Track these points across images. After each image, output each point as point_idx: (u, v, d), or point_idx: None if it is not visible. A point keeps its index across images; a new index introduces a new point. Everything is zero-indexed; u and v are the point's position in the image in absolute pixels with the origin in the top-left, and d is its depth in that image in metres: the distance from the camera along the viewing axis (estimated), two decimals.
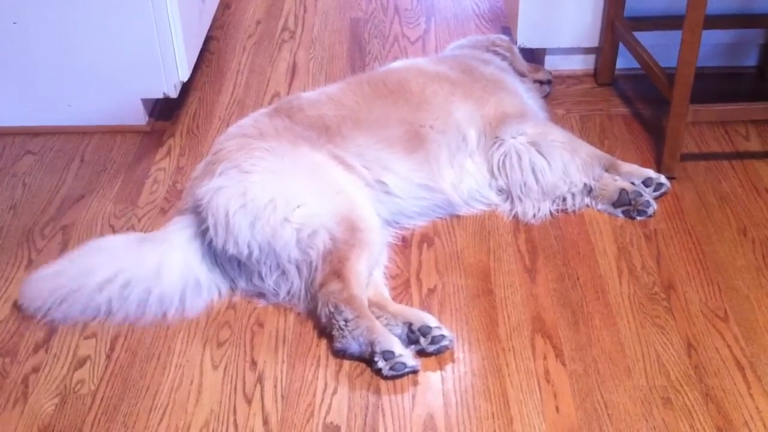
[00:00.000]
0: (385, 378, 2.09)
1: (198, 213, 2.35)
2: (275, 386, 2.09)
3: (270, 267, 2.28)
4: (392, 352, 2.08)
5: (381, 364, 2.07)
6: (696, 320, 2.23)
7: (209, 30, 3.55)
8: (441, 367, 2.13)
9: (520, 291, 2.34)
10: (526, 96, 2.87)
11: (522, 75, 3.02)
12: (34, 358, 2.18)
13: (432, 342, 2.14)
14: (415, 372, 2.10)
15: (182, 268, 2.31)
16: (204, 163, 2.49)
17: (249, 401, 2.05)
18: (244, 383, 2.10)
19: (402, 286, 2.38)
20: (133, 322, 2.26)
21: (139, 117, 3.08)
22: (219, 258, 2.33)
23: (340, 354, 2.15)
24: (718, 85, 3.15)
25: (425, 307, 2.30)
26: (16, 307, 2.31)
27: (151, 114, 3.14)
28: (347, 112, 2.57)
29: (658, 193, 2.64)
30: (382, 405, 2.03)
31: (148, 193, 2.77)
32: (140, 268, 2.27)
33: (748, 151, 2.86)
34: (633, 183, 2.62)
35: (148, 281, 2.26)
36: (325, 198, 2.32)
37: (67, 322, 2.26)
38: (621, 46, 3.15)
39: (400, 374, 2.08)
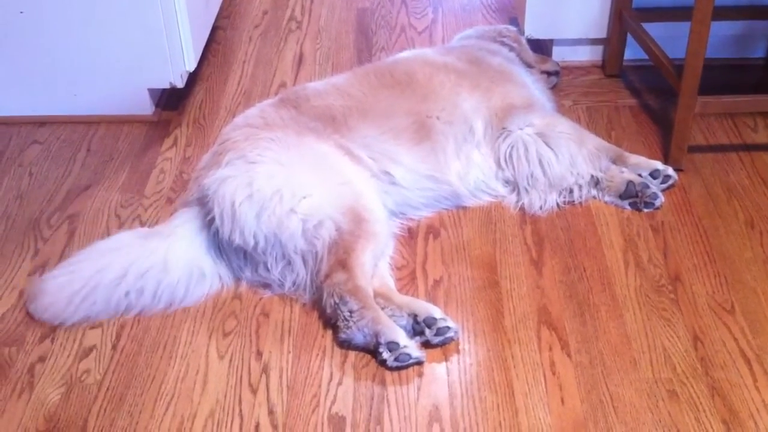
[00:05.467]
0: (390, 369, 2.09)
1: (203, 204, 2.35)
2: (280, 377, 2.09)
3: (276, 257, 2.28)
4: (397, 343, 2.07)
5: (386, 355, 2.07)
6: (702, 313, 2.22)
7: (216, 20, 3.55)
8: (446, 359, 2.13)
9: (526, 283, 2.34)
10: (533, 87, 2.85)
11: (529, 66, 3.01)
12: (40, 347, 2.19)
13: (437, 333, 2.13)
14: (419, 363, 2.10)
15: (187, 259, 2.31)
16: (210, 154, 2.49)
17: (254, 391, 2.06)
18: (249, 373, 2.10)
19: (408, 277, 2.38)
20: (139, 312, 2.27)
21: (145, 107, 3.08)
22: (224, 248, 2.34)
23: (345, 345, 2.15)
24: (726, 77, 3.13)
25: (431, 298, 2.30)
26: (28, 309, 2.30)
27: (157, 104, 3.14)
28: (354, 102, 2.56)
29: (665, 185, 2.63)
30: (387, 396, 2.04)
31: (154, 183, 2.77)
32: (148, 260, 2.27)
33: (756, 143, 2.85)
34: (640, 175, 2.62)
35: (158, 273, 2.27)
36: (331, 189, 2.32)
37: (90, 321, 2.25)
38: (629, 37, 3.14)
39: (404, 365, 2.08)
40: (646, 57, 2.94)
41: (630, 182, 2.57)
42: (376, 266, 2.30)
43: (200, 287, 2.32)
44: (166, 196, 2.71)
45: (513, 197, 2.62)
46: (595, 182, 2.60)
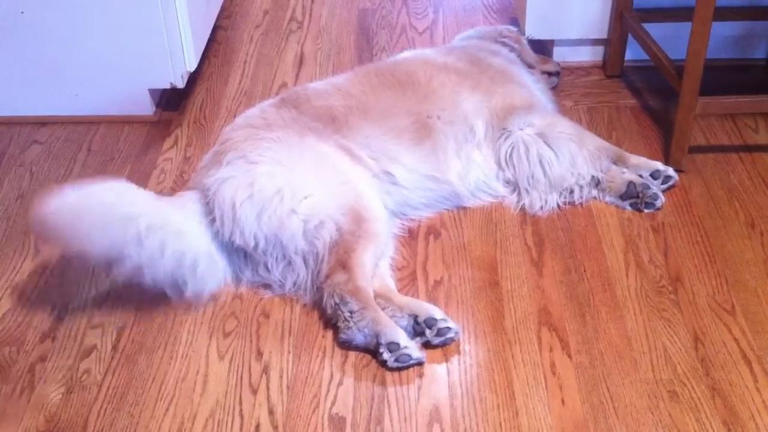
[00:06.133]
0: (391, 369, 2.09)
1: (203, 205, 2.35)
2: (281, 377, 2.09)
3: (276, 258, 2.28)
4: (397, 344, 2.07)
5: (386, 355, 2.07)
6: (703, 313, 2.22)
7: (217, 20, 3.55)
8: (447, 359, 2.13)
9: (526, 283, 2.33)
10: (534, 87, 2.86)
11: (530, 66, 3.01)
12: (41, 347, 2.19)
13: (437, 334, 2.13)
14: (420, 364, 2.10)
15: (202, 238, 2.26)
16: (211, 154, 2.49)
17: (255, 392, 2.06)
18: (249, 374, 2.10)
19: (408, 277, 2.38)
20: (140, 312, 2.27)
21: (146, 107, 3.08)
22: (225, 249, 2.33)
23: (346, 345, 2.15)
24: (727, 78, 3.12)
25: (431, 299, 2.30)
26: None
27: (158, 104, 3.14)
28: (354, 102, 2.56)
29: (666, 186, 2.63)
30: (387, 396, 2.04)
31: (155, 183, 2.77)
32: (162, 219, 2.18)
33: (757, 143, 2.85)
34: (641, 175, 2.61)
35: (168, 235, 2.17)
36: (331, 189, 2.32)
37: (84, 257, 2.19)
38: (630, 37, 3.14)
39: (405, 366, 2.09)
40: (647, 57, 2.94)
41: (631, 183, 2.57)
42: (376, 267, 2.30)
43: (213, 274, 2.27)
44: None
45: (513, 198, 2.62)
46: (596, 183, 2.60)
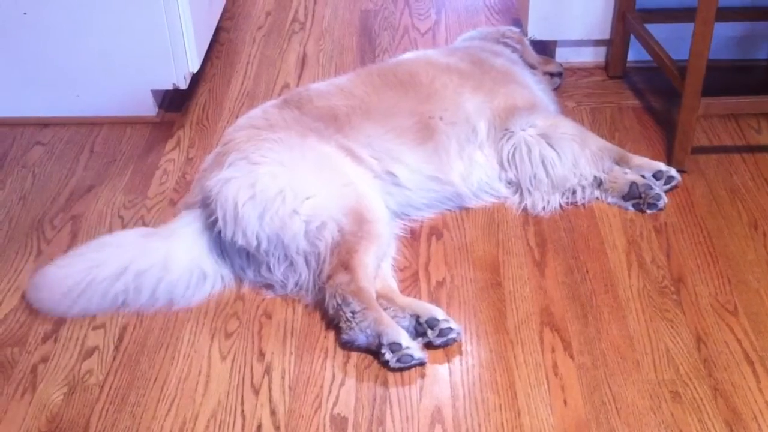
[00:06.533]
0: (393, 370, 2.09)
1: (205, 205, 2.35)
2: (283, 377, 2.09)
3: (278, 258, 2.28)
4: (399, 344, 2.07)
5: (388, 356, 2.07)
6: (706, 314, 2.22)
7: (219, 21, 3.55)
8: (449, 360, 2.13)
9: (528, 284, 2.33)
10: (536, 88, 2.85)
11: (532, 67, 3.01)
12: (43, 348, 2.19)
13: (439, 334, 2.13)
14: (422, 364, 2.10)
15: (188, 260, 2.31)
16: (213, 155, 2.49)
17: (257, 392, 2.06)
18: (251, 374, 2.10)
19: (410, 278, 2.38)
20: (142, 313, 2.27)
21: (148, 108, 3.08)
22: (227, 249, 2.34)
23: (348, 346, 2.15)
24: (729, 78, 3.12)
25: (433, 299, 2.30)
26: (25, 300, 2.32)
27: (160, 105, 3.14)
28: (357, 102, 2.57)
29: (668, 187, 2.63)
30: (389, 397, 2.03)
31: (157, 185, 2.77)
32: (148, 259, 2.27)
33: (760, 144, 2.84)
34: (643, 176, 2.61)
35: (158, 272, 2.27)
36: (333, 190, 2.32)
37: (86, 315, 2.27)
38: (632, 38, 3.14)
39: (407, 366, 2.08)
40: (650, 58, 2.93)
41: (633, 183, 2.56)
42: (378, 267, 2.30)
43: (202, 288, 2.32)
44: (169, 197, 2.71)
45: (516, 198, 2.62)
46: (598, 183, 2.60)
